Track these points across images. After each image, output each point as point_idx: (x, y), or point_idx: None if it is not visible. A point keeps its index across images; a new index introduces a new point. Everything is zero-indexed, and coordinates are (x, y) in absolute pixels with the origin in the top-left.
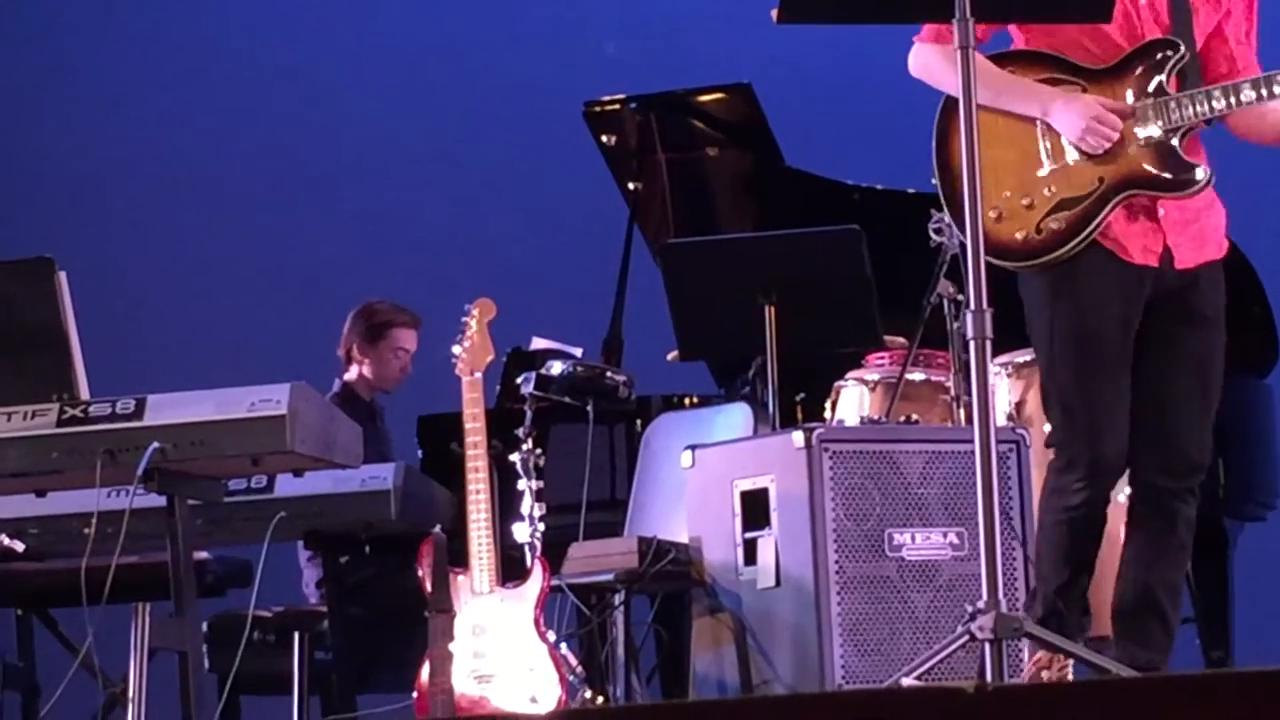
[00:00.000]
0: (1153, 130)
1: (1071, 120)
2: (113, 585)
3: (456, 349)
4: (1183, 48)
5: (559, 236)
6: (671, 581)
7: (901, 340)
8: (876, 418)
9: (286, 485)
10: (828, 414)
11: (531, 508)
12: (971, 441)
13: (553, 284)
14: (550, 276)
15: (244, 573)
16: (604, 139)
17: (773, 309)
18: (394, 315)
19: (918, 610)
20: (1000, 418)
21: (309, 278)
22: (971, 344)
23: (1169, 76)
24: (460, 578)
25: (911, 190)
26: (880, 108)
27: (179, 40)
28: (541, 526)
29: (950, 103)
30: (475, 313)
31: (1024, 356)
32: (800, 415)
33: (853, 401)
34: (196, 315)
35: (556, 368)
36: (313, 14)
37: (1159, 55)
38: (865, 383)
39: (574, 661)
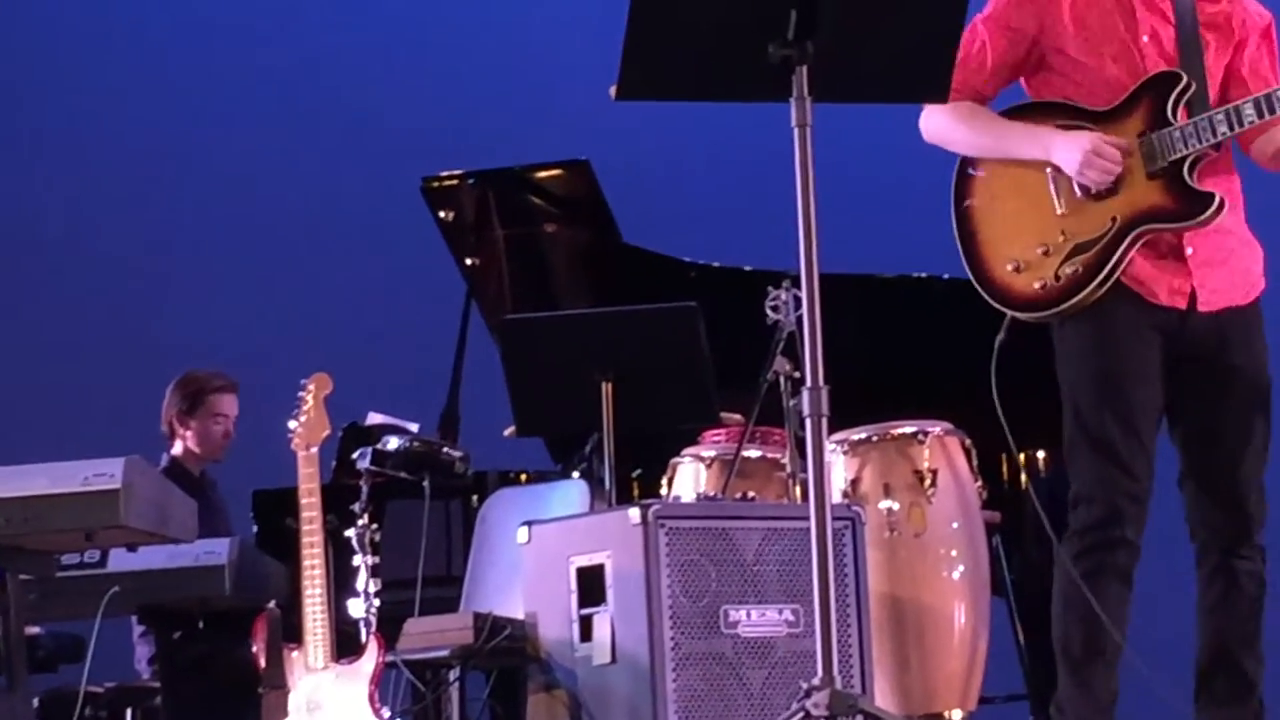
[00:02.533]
0: (1160, 163)
1: (1071, 155)
2: None
3: (292, 424)
4: (1185, 79)
5: (395, 311)
6: (507, 657)
7: (738, 417)
8: (713, 494)
9: (120, 560)
10: (664, 490)
11: (367, 583)
12: (807, 519)
13: (389, 359)
14: (387, 351)
15: (76, 648)
16: (441, 214)
17: (610, 385)
18: (209, 381)
19: (753, 687)
20: (836, 495)
21: (142, 350)
22: (808, 421)
23: (1174, 109)
24: (295, 653)
25: (748, 268)
26: (717, 185)
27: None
28: (377, 602)
29: (965, 162)
30: (311, 387)
31: (860, 434)
32: (637, 492)
33: (689, 478)
34: (28, 388)
35: (392, 443)
36: (145, 87)
37: (1163, 88)
38: (702, 459)
39: None
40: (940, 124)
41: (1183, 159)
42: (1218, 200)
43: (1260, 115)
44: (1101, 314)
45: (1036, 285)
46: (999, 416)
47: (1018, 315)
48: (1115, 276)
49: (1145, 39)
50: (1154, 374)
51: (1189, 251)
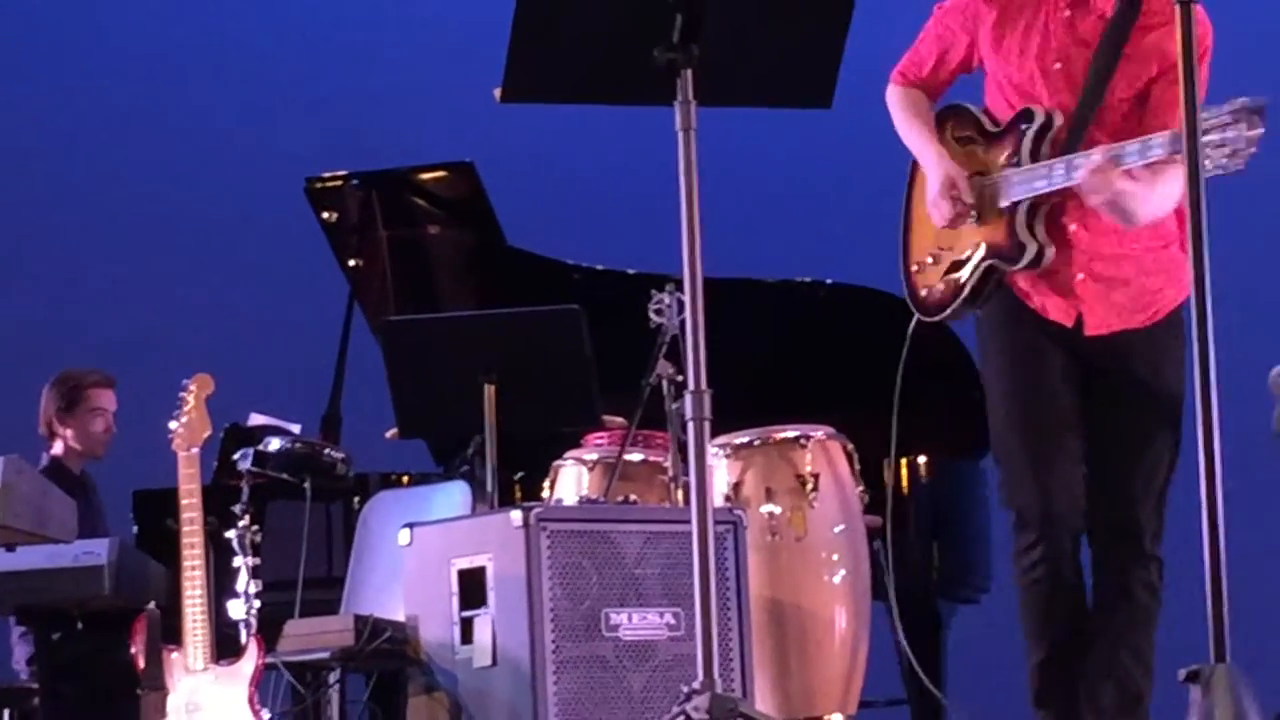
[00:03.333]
0: (1004, 201)
1: (932, 186)
2: None
3: (173, 424)
4: (1040, 118)
5: (278, 312)
6: (387, 660)
7: (620, 420)
8: (595, 497)
9: None
10: (546, 493)
11: (247, 584)
12: (689, 522)
13: (271, 360)
14: (269, 352)
15: None
16: (325, 215)
17: (492, 387)
18: (86, 377)
19: (634, 690)
20: (718, 498)
21: (19, 352)
22: (690, 425)
23: (1032, 145)
24: (174, 655)
25: (632, 271)
26: (601, 188)
27: None
28: (257, 603)
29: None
30: (193, 388)
31: (742, 438)
32: (519, 494)
33: (571, 481)
34: None
35: (274, 444)
36: (24, 80)
37: (1023, 124)
38: (584, 462)
39: None
40: (891, 105)
41: (1018, 201)
42: (1033, 253)
43: (1067, 178)
44: (1003, 324)
45: (924, 291)
46: (882, 419)
47: (920, 318)
48: (975, 302)
49: (1057, 66)
50: (1059, 380)
51: (1079, 277)
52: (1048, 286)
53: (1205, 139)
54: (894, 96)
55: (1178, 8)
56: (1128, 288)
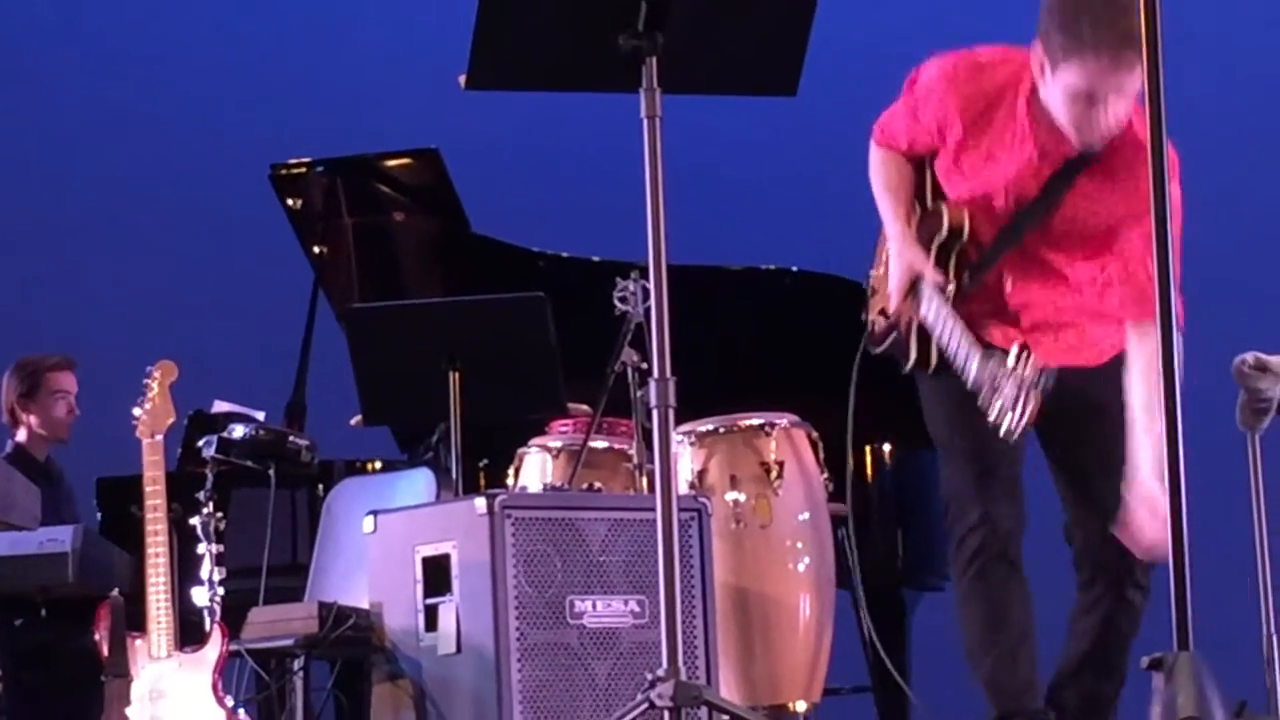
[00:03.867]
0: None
1: (893, 271)
2: None
3: (137, 411)
4: (943, 231)
5: (242, 299)
6: (352, 647)
7: (585, 408)
8: (559, 485)
9: None
10: (511, 480)
11: (211, 571)
12: (653, 510)
13: (236, 347)
14: (233, 339)
15: None
16: (290, 202)
17: (457, 375)
18: (44, 361)
19: (598, 678)
20: (682, 486)
21: None
22: (655, 412)
23: (936, 255)
24: (138, 642)
25: (597, 258)
26: (566, 175)
27: None
28: (221, 590)
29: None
30: (157, 374)
31: (707, 425)
32: (483, 481)
33: (536, 468)
34: None
35: (238, 431)
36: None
37: (933, 226)
38: (549, 450)
39: None
40: (870, 168)
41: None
42: (912, 362)
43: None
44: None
45: (866, 314)
46: (847, 407)
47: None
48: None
49: (1011, 202)
50: None
51: (1021, 315)
52: (996, 316)
53: (998, 391)
54: (874, 160)
55: None
56: (1074, 328)
